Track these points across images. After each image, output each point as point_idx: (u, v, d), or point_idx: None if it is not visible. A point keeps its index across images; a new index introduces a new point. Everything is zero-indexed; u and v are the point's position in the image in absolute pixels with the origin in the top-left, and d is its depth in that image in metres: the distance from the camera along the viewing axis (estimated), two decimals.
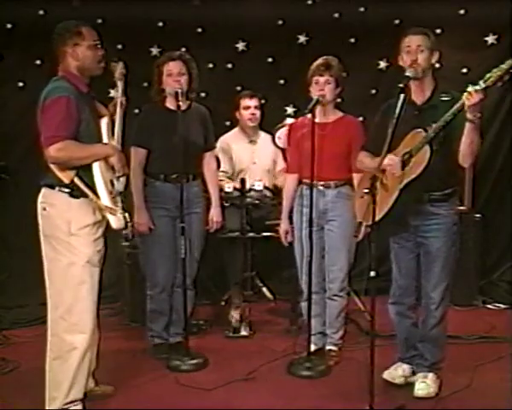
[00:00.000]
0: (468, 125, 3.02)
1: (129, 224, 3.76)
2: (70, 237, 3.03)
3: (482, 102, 2.93)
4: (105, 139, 3.15)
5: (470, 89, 2.94)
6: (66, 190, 3.02)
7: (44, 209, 3.06)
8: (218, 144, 4.64)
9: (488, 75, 2.93)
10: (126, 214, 3.18)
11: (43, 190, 3.09)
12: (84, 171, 3.03)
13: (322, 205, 3.77)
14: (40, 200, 3.09)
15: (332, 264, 3.82)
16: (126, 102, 3.36)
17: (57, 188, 3.03)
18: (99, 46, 3.13)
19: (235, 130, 4.88)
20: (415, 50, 3.19)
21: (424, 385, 3.40)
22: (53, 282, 3.09)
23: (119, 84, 3.34)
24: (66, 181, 3.01)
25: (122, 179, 3.20)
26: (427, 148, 3.10)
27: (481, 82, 2.92)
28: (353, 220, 3.61)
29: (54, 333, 3.10)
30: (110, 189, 3.09)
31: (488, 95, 2.93)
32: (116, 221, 3.09)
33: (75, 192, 3.03)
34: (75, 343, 3.06)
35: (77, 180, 3.01)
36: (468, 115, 2.99)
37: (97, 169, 3.03)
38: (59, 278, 3.06)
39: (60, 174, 3.01)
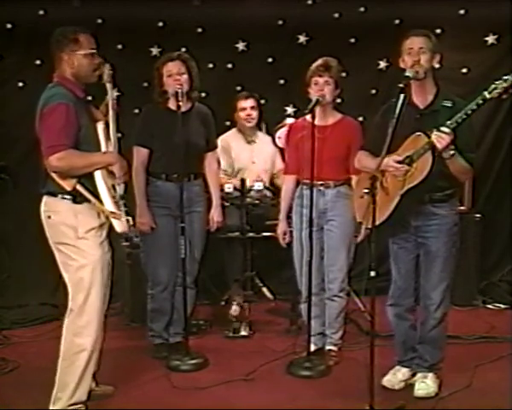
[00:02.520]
0: (446, 160, 3.06)
1: (131, 225, 3.77)
2: (78, 241, 3.03)
3: (453, 141, 2.98)
4: (102, 143, 3.14)
5: (436, 133, 2.98)
6: (69, 196, 3.02)
7: (49, 217, 3.06)
8: (219, 143, 4.64)
9: (493, 86, 2.93)
10: (130, 218, 3.19)
11: (46, 199, 3.08)
12: (86, 177, 3.03)
13: (321, 205, 3.77)
14: (43, 208, 3.09)
15: (331, 264, 3.82)
16: (117, 103, 3.35)
17: (60, 195, 3.03)
18: (95, 54, 3.10)
19: (234, 130, 4.88)
20: (417, 52, 3.18)
21: (424, 385, 3.40)
22: (68, 286, 3.11)
23: (109, 86, 3.33)
24: (69, 189, 3.01)
25: (122, 184, 3.20)
26: (429, 155, 3.09)
27: (486, 93, 2.93)
28: (353, 220, 3.60)
29: (66, 335, 3.11)
30: (113, 193, 3.09)
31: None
32: (120, 225, 3.10)
33: (78, 198, 3.03)
34: (84, 345, 3.07)
35: (79, 187, 3.01)
36: (444, 155, 3.03)
37: (99, 176, 3.03)
38: (71, 281, 3.08)
39: (61, 182, 3.01)
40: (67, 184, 3.00)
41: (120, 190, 3.17)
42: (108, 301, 3.23)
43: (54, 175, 3.00)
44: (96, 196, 3.03)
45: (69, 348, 3.08)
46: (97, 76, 3.14)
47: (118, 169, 3.12)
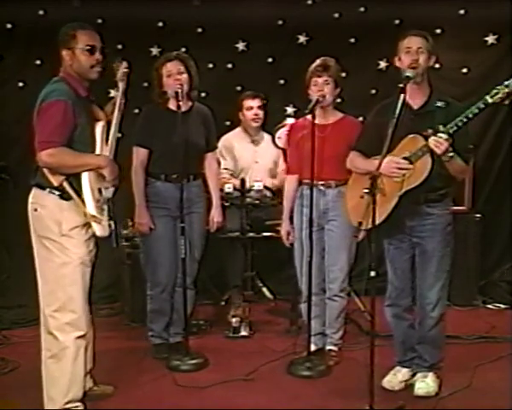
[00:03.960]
0: (445, 163, 3.08)
1: (129, 224, 3.75)
2: (61, 237, 3.03)
3: (450, 145, 2.99)
4: (98, 145, 3.13)
5: (434, 138, 2.98)
6: (57, 192, 3.02)
7: (36, 210, 3.06)
8: (221, 143, 4.65)
9: (495, 91, 2.93)
10: (112, 222, 3.16)
11: (34, 191, 3.08)
12: (74, 176, 3.03)
13: (322, 205, 3.77)
14: (31, 200, 3.09)
15: (332, 264, 3.82)
16: (125, 104, 3.34)
17: (48, 189, 3.03)
18: (94, 51, 3.07)
19: (238, 129, 4.89)
20: (415, 51, 3.19)
21: (424, 384, 3.40)
22: (46, 281, 3.09)
23: (121, 85, 3.32)
24: (56, 184, 3.01)
25: (111, 188, 3.19)
26: (428, 156, 3.09)
27: (488, 97, 2.93)
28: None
29: (47, 331, 3.10)
30: (97, 197, 3.08)
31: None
32: (100, 229, 3.08)
33: (65, 194, 3.03)
34: (67, 342, 3.06)
35: (65, 184, 3.01)
36: (443, 158, 3.05)
37: (86, 177, 3.02)
38: (51, 277, 3.07)
39: (50, 176, 3.01)
40: (55, 180, 3.01)
41: (108, 193, 3.16)
42: (90, 298, 3.20)
43: (44, 169, 3.01)
44: (80, 196, 3.03)
45: (54, 344, 3.07)
46: (97, 72, 3.10)
47: (108, 173, 3.10)
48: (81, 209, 3.04)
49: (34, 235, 3.09)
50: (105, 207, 3.14)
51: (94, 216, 3.03)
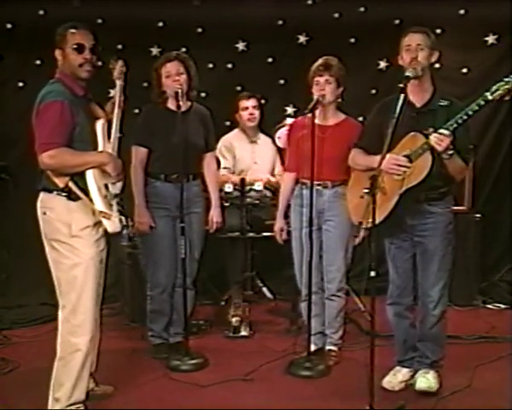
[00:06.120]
0: (445, 161, 3.07)
1: (130, 224, 3.75)
2: (71, 238, 3.03)
3: (451, 142, 2.99)
4: (100, 143, 3.12)
5: (435, 135, 2.98)
6: (64, 193, 3.02)
7: (44, 213, 3.06)
8: (221, 144, 4.65)
9: (494, 88, 2.93)
10: (123, 217, 3.17)
11: (42, 195, 3.08)
12: (79, 175, 3.03)
13: (319, 205, 3.76)
14: (39, 204, 3.09)
15: (330, 264, 3.82)
16: (124, 102, 3.34)
17: (55, 192, 3.03)
18: (82, 49, 3.04)
19: (236, 130, 4.88)
20: (415, 48, 3.19)
21: (425, 379, 3.41)
22: (59, 284, 3.10)
23: (118, 83, 3.32)
24: (61, 186, 3.01)
25: (119, 183, 3.19)
26: (428, 154, 3.09)
27: (488, 94, 2.93)
28: (351, 221, 3.60)
29: (61, 334, 3.11)
30: (105, 193, 3.07)
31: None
32: (111, 225, 3.08)
33: (73, 195, 3.03)
34: (79, 345, 3.06)
35: (71, 184, 3.01)
36: (443, 156, 3.05)
37: (90, 175, 3.02)
38: (64, 279, 3.07)
39: (54, 178, 3.01)
40: (60, 181, 3.01)
41: (116, 189, 3.16)
42: (103, 299, 3.24)
43: (48, 172, 3.01)
44: (87, 194, 3.02)
45: (65, 347, 3.08)
46: (86, 71, 3.07)
47: (111, 169, 3.10)
48: (90, 208, 3.03)
49: (45, 239, 3.10)
50: (113, 202, 3.13)
51: (103, 212, 3.03)
